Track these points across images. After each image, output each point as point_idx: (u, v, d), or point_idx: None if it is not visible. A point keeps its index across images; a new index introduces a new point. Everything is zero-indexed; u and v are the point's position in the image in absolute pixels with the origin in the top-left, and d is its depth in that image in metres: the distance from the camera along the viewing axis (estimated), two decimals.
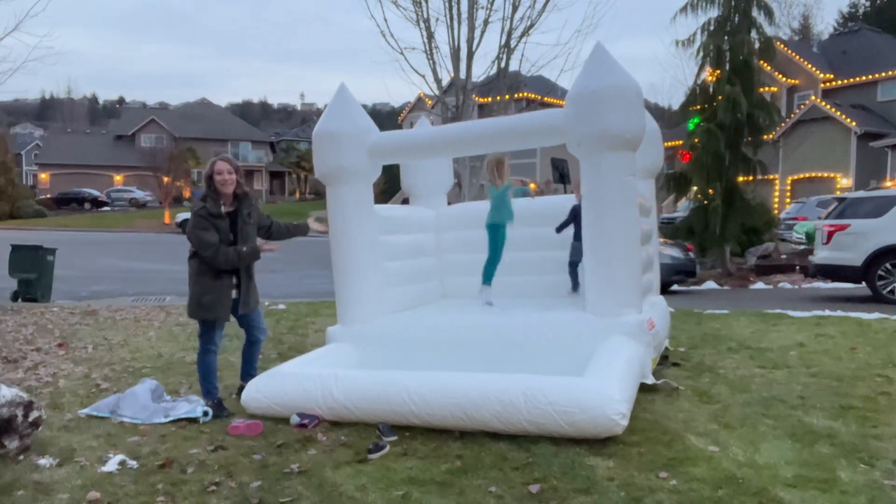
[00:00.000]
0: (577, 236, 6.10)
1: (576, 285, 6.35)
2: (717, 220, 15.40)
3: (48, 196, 50.66)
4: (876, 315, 8.62)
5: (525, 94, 25.48)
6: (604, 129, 4.97)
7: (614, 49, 5.19)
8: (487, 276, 6.32)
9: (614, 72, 5.03)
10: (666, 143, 9.88)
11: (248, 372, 5.33)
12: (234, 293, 5.04)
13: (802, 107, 29.89)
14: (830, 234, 11.05)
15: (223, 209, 4.96)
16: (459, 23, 14.83)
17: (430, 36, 15.02)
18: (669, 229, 17.47)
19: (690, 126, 16.64)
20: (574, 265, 6.32)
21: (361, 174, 5.76)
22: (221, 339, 5.16)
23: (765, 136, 16.33)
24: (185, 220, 28.68)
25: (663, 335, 6.19)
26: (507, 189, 6.29)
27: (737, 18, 15.67)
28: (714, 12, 15.89)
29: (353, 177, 5.72)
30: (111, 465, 3.88)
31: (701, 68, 16.50)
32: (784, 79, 32.07)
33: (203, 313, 4.97)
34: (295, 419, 4.56)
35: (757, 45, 15.85)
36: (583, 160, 5.21)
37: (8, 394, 4.05)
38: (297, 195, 61.74)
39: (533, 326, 5.36)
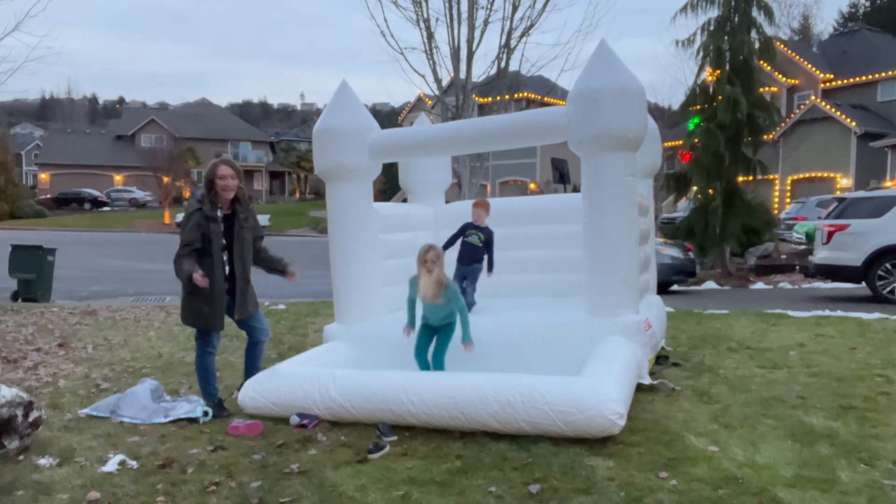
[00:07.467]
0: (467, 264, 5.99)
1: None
2: (717, 220, 15.41)
3: (48, 196, 50.70)
4: (876, 315, 8.62)
5: (525, 94, 25.49)
6: (605, 129, 4.96)
7: (614, 49, 5.16)
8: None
9: (618, 71, 5.02)
10: (666, 143, 9.93)
11: (251, 373, 5.30)
12: (227, 298, 4.97)
13: (802, 107, 29.89)
14: (830, 234, 11.05)
15: (220, 213, 4.91)
16: (459, 23, 14.82)
17: (430, 36, 15.02)
18: (669, 229, 17.47)
19: (690, 126, 16.65)
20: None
21: (362, 171, 5.75)
22: (218, 342, 5.16)
23: (765, 136, 16.33)
24: None
25: (660, 335, 6.19)
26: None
27: (737, 18, 15.67)
28: (714, 12, 15.90)
29: (353, 174, 5.71)
30: (111, 465, 3.87)
31: (701, 68, 16.50)
32: (784, 79, 32.06)
33: (194, 322, 4.96)
34: (295, 419, 4.56)
35: (757, 45, 15.85)
36: (584, 159, 5.21)
37: (8, 394, 4.05)
38: (297, 195, 61.78)
39: (530, 326, 5.35)
